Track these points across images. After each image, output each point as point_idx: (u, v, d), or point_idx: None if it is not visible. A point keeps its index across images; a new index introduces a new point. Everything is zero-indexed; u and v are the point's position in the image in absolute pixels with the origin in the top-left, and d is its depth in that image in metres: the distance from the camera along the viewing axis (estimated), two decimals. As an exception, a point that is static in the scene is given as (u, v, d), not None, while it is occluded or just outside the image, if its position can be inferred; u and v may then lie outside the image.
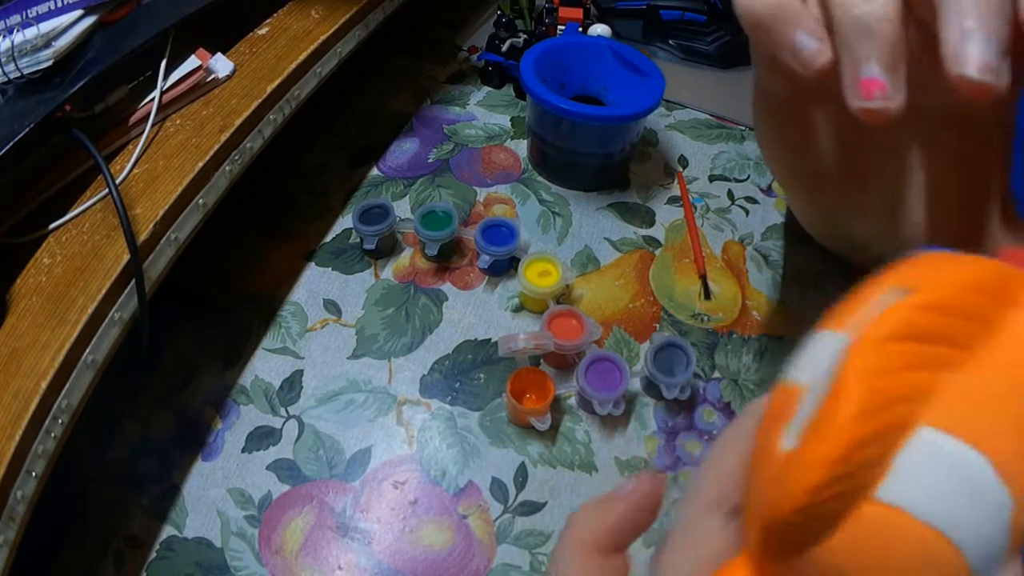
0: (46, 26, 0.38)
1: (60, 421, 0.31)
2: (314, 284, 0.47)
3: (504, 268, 0.47)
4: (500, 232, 0.46)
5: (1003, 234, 0.28)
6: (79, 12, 0.39)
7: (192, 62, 0.41)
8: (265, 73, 0.42)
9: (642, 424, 0.41)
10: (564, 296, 0.46)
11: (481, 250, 0.46)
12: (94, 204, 0.37)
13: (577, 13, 0.62)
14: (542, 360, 0.43)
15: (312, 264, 0.48)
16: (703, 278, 0.48)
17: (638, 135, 0.52)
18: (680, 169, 0.56)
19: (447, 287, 0.47)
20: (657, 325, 0.46)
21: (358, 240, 0.49)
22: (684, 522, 0.19)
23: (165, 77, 0.40)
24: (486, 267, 0.46)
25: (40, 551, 0.37)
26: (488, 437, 0.41)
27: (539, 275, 0.44)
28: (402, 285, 0.47)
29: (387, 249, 0.49)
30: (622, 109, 0.47)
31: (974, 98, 0.21)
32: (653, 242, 0.50)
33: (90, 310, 0.32)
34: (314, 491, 0.39)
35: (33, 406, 0.29)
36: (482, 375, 0.43)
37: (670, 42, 0.67)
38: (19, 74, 0.37)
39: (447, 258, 0.48)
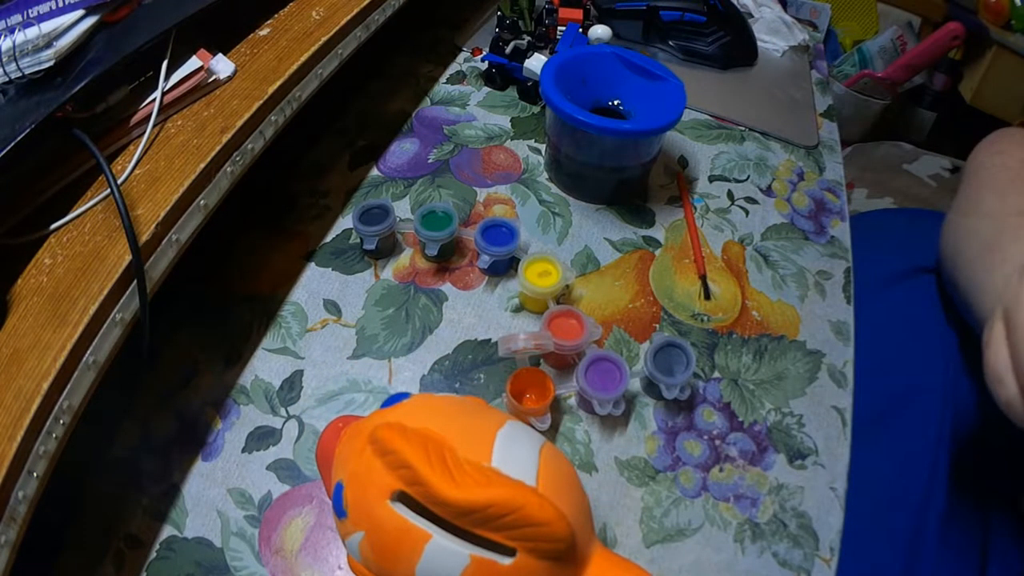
0: (47, 26, 0.38)
1: (61, 422, 0.31)
2: (314, 284, 0.47)
3: (504, 268, 0.47)
4: (500, 232, 0.46)
5: None
6: (80, 12, 0.39)
7: (193, 63, 0.41)
8: (266, 74, 0.42)
9: (642, 424, 0.41)
10: (564, 296, 0.47)
11: (481, 250, 0.46)
12: (95, 205, 0.37)
13: (577, 14, 0.62)
14: (542, 360, 0.43)
15: (312, 264, 0.48)
16: (703, 278, 0.48)
17: (653, 155, 0.51)
18: (680, 169, 0.56)
19: (447, 287, 0.47)
20: (657, 325, 0.46)
21: (358, 240, 0.49)
22: None
23: (166, 78, 0.40)
24: (486, 267, 0.47)
25: (40, 551, 0.37)
26: (488, 437, 0.41)
27: (539, 275, 0.44)
28: (402, 285, 0.47)
29: (387, 249, 0.49)
30: (636, 124, 0.47)
31: None
32: (653, 242, 0.51)
33: (91, 311, 0.32)
34: (314, 491, 0.39)
35: (34, 407, 0.29)
36: (482, 375, 0.43)
37: (670, 43, 0.67)
38: (20, 74, 0.37)
39: (447, 258, 0.48)
